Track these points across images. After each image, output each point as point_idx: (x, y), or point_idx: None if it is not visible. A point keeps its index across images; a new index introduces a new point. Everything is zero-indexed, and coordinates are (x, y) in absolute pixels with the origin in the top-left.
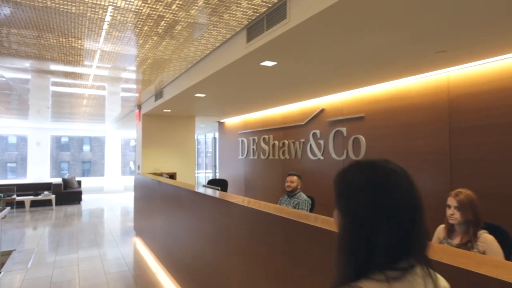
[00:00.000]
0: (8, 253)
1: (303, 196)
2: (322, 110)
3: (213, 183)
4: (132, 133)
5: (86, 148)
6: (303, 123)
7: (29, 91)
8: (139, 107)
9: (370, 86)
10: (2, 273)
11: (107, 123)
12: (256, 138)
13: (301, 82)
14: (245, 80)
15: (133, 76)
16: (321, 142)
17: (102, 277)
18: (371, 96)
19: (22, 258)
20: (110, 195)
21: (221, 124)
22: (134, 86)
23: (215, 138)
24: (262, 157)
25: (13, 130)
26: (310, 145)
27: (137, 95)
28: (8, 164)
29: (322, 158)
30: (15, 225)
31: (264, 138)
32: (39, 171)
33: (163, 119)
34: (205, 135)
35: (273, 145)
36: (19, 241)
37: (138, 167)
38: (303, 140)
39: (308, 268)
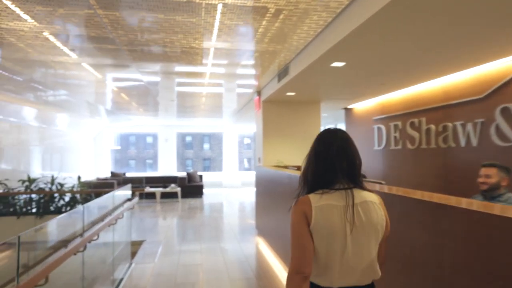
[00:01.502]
0: (139, 243)
1: None
2: None
3: None
4: (248, 128)
5: (206, 146)
6: (481, 96)
7: (158, 92)
8: (259, 93)
9: None
10: (133, 264)
11: (225, 117)
12: (399, 123)
13: (485, 32)
14: (402, 33)
15: (251, 61)
16: None
17: (226, 284)
18: None
19: (151, 250)
20: (228, 189)
21: (348, 111)
22: (252, 72)
23: None
24: (410, 146)
25: (147, 129)
26: (497, 125)
27: (256, 83)
28: (147, 161)
29: None
30: (148, 215)
31: (412, 123)
32: (167, 165)
33: (285, 106)
34: (323, 127)
35: (427, 130)
36: (150, 230)
37: (259, 159)
38: (481, 120)
39: None
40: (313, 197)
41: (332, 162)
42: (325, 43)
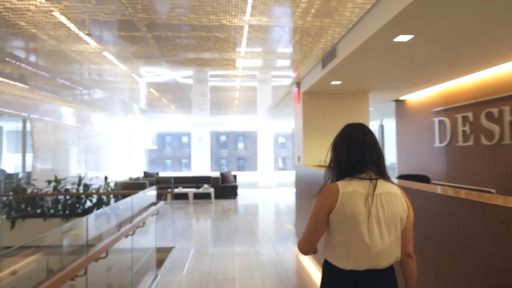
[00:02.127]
0: (168, 250)
1: None
2: None
3: (410, 178)
4: (284, 125)
5: (241, 145)
6: None
7: (191, 88)
8: (298, 84)
9: None
10: (158, 277)
11: (259, 115)
12: (469, 114)
13: None
14: None
15: (288, 48)
16: None
17: None
18: None
19: (179, 258)
20: (263, 190)
21: (400, 103)
22: (290, 59)
23: (381, 126)
24: (485, 142)
25: (180, 127)
26: None
27: (294, 73)
28: (182, 160)
29: None
30: (179, 217)
31: (488, 113)
32: (201, 164)
33: (328, 97)
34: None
35: None
36: (180, 235)
37: (299, 158)
38: None
39: None
40: (341, 184)
41: (365, 152)
42: (388, 10)
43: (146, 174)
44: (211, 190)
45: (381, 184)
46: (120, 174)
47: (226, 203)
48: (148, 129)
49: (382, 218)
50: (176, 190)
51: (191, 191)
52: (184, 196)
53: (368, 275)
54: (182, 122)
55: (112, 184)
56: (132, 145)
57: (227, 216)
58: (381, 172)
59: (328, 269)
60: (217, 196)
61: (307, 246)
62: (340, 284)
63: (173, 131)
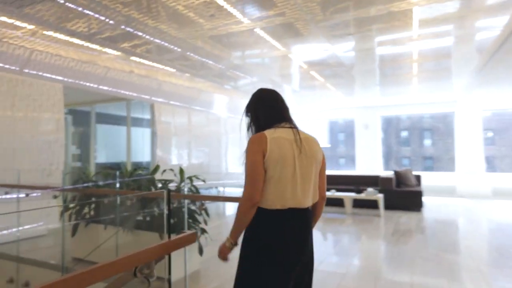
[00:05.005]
0: None
1: None
2: None
3: None
4: (497, 101)
5: (427, 142)
6: None
7: (354, 63)
8: None
9: None
10: None
11: (456, 88)
12: None
13: None
14: None
15: None
16: None
17: None
18: None
19: None
20: (467, 200)
21: None
22: None
23: None
24: None
25: (340, 113)
26: None
27: None
28: (340, 159)
29: None
30: (325, 237)
31: None
32: (368, 161)
33: None
34: None
35: None
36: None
37: None
38: None
39: None
40: (267, 132)
41: (280, 108)
42: None
43: None
44: (379, 196)
45: (300, 132)
46: None
47: (403, 218)
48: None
49: (305, 158)
50: (328, 194)
51: (348, 196)
52: (339, 203)
53: (293, 214)
54: (342, 105)
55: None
56: None
57: (403, 244)
58: (294, 125)
59: (256, 216)
60: (389, 206)
61: (253, 191)
62: (268, 224)
63: (332, 119)
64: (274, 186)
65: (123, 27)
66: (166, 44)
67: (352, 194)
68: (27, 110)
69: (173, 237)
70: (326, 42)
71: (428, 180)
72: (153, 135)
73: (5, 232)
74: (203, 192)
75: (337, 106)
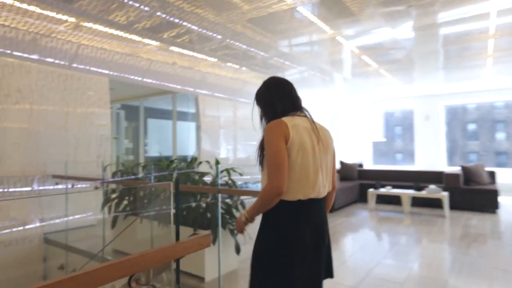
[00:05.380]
0: None
1: None
2: None
3: None
4: None
5: (500, 135)
6: None
7: (413, 44)
8: None
9: None
10: None
11: None
12: None
13: None
14: None
15: None
16: None
17: None
18: None
19: None
20: None
21: None
22: None
23: None
24: None
25: (397, 104)
26: None
27: None
28: (396, 155)
29: None
30: (382, 237)
31: None
32: (428, 156)
33: None
34: None
35: None
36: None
37: None
38: None
39: None
40: (286, 119)
41: (294, 97)
42: None
43: (343, 165)
44: (443, 194)
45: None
46: None
47: (474, 220)
48: (352, 108)
49: (322, 148)
50: (383, 190)
51: (406, 193)
52: (395, 201)
53: (313, 204)
54: (399, 94)
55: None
56: (334, 129)
57: (479, 253)
58: (308, 113)
59: (276, 207)
60: (455, 206)
61: (279, 180)
62: (289, 216)
63: (388, 110)
64: (296, 175)
65: (158, 13)
66: (205, 31)
67: (411, 192)
68: (76, 104)
69: (182, 240)
70: (381, 19)
71: (506, 177)
72: (198, 128)
73: (57, 221)
74: (251, 186)
75: (394, 96)
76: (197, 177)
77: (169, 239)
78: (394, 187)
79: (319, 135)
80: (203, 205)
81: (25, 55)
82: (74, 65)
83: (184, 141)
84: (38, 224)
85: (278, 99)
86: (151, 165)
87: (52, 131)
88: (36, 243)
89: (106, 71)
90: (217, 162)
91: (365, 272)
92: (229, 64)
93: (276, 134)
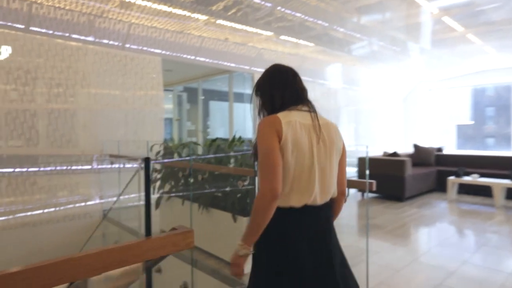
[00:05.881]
0: None
1: None
2: None
3: None
4: None
5: None
6: None
7: None
8: None
9: None
10: None
11: None
12: None
13: None
14: None
15: None
16: None
17: None
18: None
19: None
20: None
21: None
22: None
23: None
24: None
25: (488, 78)
26: None
27: None
28: (487, 139)
29: None
30: (465, 234)
31: None
32: None
33: None
34: None
35: None
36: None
37: None
38: None
39: None
40: (280, 115)
41: (298, 87)
42: None
43: (418, 149)
44: None
45: (319, 116)
46: (384, 146)
47: None
48: (431, 86)
49: (323, 148)
50: (467, 179)
51: (498, 183)
52: (483, 192)
53: (309, 212)
54: (493, 66)
55: None
56: (408, 109)
57: None
58: (312, 107)
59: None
60: None
61: (272, 182)
62: (279, 225)
63: (478, 87)
64: (289, 178)
65: None
66: None
67: (506, 181)
68: (130, 85)
69: (154, 236)
70: None
71: None
72: (254, 109)
73: (114, 198)
74: None
75: (485, 68)
76: (234, 159)
77: (209, 223)
78: (483, 175)
79: (321, 133)
80: (241, 187)
81: (82, 37)
82: (127, 45)
83: (241, 123)
84: (98, 201)
85: (277, 90)
86: (190, 145)
87: (108, 111)
88: (96, 219)
89: (158, 51)
90: (252, 142)
91: (445, 273)
92: (284, 37)
93: (268, 131)
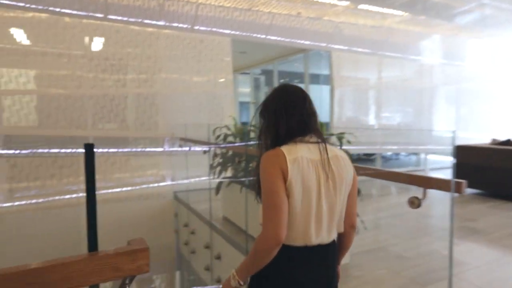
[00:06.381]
0: None
1: None
2: None
3: None
4: None
5: None
6: None
7: None
8: None
9: None
10: None
11: None
12: None
13: None
14: None
15: None
16: None
17: None
18: None
19: None
20: None
21: None
22: None
23: None
24: None
25: None
26: None
27: None
28: None
29: None
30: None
31: None
32: None
33: None
34: None
35: None
36: None
37: None
38: None
39: None
40: (285, 149)
41: (307, 114)
42: None
43: None
44: None
45: (328, 147)
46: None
47: None
48: None
49: (333, 185)
50: None
51: None
52: None
53: (316, 252)
54: None
55: None
56: None
57: None
58: (320, 136)
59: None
60: None
61: (276, 227)
62: (283, 264)
63: None
64: (295, 219)
65: None
66: None
67: None
68: (199, 67)
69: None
70: None
71: None
72: (332, 91)
73: (185, 181)
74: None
75: None
76: None
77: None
78: None
79: (331, 169)
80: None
81: (153, 22)
82: (196, 27)
83: (318, 106)
84: (169, 183)
85: (285, 117)
86: (245, 129)
87: (179, 95)
88: (168, 200)
89: (227, 31)
90: (322, 126)
91: None
92: (364, 6)
93: (272, 170)
